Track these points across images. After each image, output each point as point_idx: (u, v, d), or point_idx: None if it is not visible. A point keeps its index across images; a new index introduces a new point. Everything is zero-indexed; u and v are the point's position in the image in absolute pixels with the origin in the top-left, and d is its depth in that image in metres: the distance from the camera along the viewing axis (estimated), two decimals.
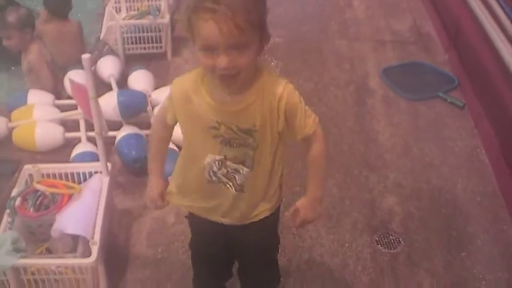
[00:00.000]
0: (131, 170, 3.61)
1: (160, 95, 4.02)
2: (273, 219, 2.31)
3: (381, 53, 4.98)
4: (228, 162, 2.05)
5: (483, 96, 4.03)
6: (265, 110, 1.95)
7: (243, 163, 2.06)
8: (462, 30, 4.51)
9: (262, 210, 2.21)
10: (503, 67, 3.38)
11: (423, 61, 4.84)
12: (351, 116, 4.16)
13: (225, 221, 2.22)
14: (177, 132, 2.15)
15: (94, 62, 4.48)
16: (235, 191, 2.11)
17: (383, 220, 3.31)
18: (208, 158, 2.05)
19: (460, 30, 4.58)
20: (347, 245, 3.16)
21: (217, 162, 2.06)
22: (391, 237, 3.20)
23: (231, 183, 2.10)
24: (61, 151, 3.78)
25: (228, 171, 2.07)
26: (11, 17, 4.27)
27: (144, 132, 3.71)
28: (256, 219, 2.22)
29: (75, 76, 3.72)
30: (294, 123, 2.01)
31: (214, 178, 2.09)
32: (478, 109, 4.04)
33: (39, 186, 2.81)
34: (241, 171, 2.07)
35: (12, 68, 5.20)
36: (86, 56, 2.55)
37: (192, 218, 2.36)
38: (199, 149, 2.07)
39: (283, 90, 1.95)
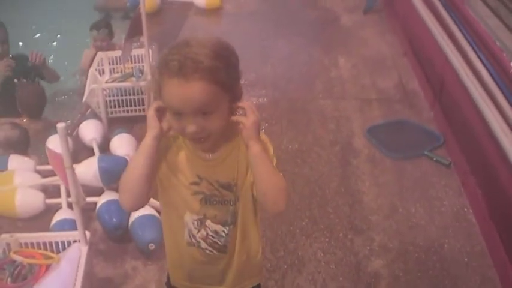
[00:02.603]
0: (112, 237, 3.54)
1: None
2: None
3: (366, 112, 4.97)
4: (208, 222, 1.99)
5: (469, 154, 4.01)
6: (241, 161, 1.90)
7: (223, 223, 1.99)
8: (446, 87, 4.51)
9: (249, 279, 2.17)
10: (487, 125, 3.36)
11: (408, 119, 4.82)
12: (335, 177, 4.10)
13: None
14: None
15: (76, 125, 4.46)
16: (218, 252, 2.04)
17: (369, 284, 3.24)
18: (187, 217, 1.99)
19: (444, 87, 4.58)
20: None
21: (195, 223, 1.99)
22: None
23: (211, 248, 2.03)
24: (42, 217, 3.71)
25: (207, 233, 2.00)
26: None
27: None
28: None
29: (55, 143, 3.68)
30: None
31: (194, 241, 2.03)
32: (464, 167, 4.00)
33: (16, 257, 2.74)
34: (221, 233, 2.00)
35: None
36: (61, 125, 2.51)
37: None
38: (178, 208, 2.00)
39: None
